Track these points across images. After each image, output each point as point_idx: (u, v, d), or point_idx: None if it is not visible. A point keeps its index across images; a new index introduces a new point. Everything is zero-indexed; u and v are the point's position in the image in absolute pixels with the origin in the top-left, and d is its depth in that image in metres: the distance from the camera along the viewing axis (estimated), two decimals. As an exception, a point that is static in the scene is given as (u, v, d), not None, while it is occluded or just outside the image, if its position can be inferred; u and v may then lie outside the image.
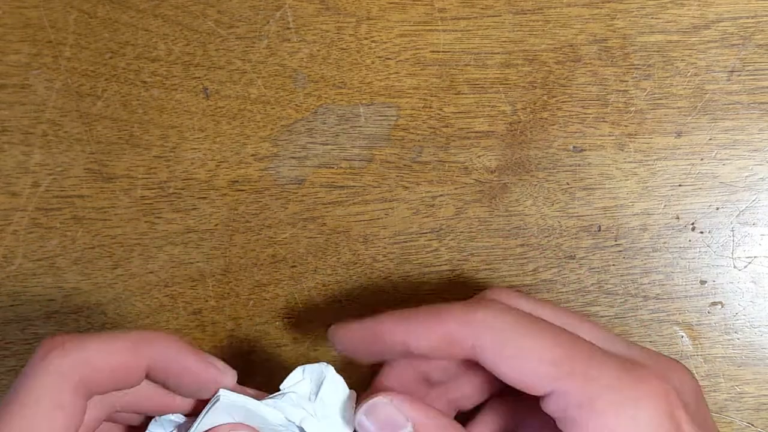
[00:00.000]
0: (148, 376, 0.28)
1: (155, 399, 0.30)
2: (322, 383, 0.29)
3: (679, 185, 0.37)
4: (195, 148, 0.37)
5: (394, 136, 0.37)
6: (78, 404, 0.26)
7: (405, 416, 0.29)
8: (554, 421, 0.28)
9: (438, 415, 0.30)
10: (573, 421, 0.28)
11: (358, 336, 0.30)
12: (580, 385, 0.28)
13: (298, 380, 0.30)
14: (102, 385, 0.27)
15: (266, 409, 0.28)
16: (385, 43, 0.37)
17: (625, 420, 0.27)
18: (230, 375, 0.29)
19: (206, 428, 0.28)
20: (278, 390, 0.29)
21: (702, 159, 0.37)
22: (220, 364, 0.29)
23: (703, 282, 0.37)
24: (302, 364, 0.32)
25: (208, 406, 0.28)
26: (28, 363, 0.26)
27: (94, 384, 0.27)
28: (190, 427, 0.28)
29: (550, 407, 0.28)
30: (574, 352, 0.29)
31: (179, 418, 0.30)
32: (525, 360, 0.28)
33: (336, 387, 0.30)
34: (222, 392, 0.28)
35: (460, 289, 0.37)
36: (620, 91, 0.37)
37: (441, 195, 0.37)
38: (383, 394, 0.29)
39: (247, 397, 0.28)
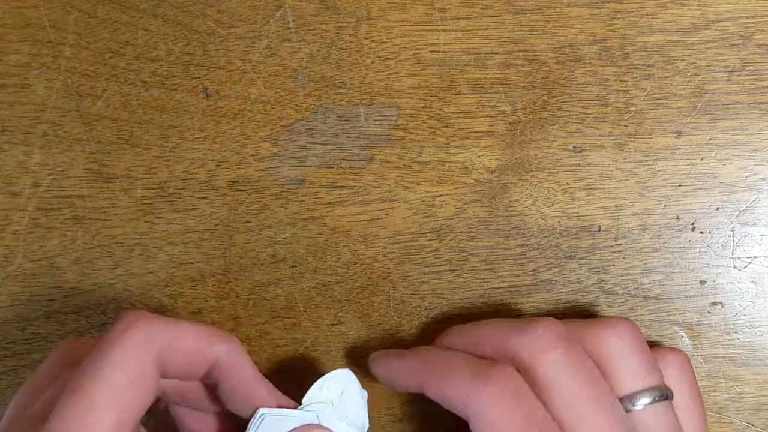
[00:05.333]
0: (206, 372, 0.29)
1: (197, 399, 0.31)
2: (344, 390, 0.31)
3: (679, 185, 0.37)
4: (195, 148, 0.37)
5: (394, 136, 0.37)
6: (155, 378, 0.27)
7: None
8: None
9: None
10: None
11: (394, 369, 0.33)
12: None
13: (318, 390, 0.30)
14: (174, 366, 0.28)
15: (306, 416, 0.29)
16: (385, 43, 0.37)
17: None
18: (275, 399, 0.30)
19: None
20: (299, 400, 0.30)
21: (702, 159, 0.37)
22: (271, 387, 0.30)
23: (703, 282, 0.37)
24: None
25: (253, 424, 0.29)
26: (110, 333, 0.27)
27: (167, 364, 0.28)
28: None
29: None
30: None
31: None
32: None
33: (355, 389, 0.31)
34: (263, 410, 0.29)
35: (460, 289, 0.37)
36: (620, 91, 0.37)
37: (441, 195, 0.37)
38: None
39: (286, 410, 0.29)
